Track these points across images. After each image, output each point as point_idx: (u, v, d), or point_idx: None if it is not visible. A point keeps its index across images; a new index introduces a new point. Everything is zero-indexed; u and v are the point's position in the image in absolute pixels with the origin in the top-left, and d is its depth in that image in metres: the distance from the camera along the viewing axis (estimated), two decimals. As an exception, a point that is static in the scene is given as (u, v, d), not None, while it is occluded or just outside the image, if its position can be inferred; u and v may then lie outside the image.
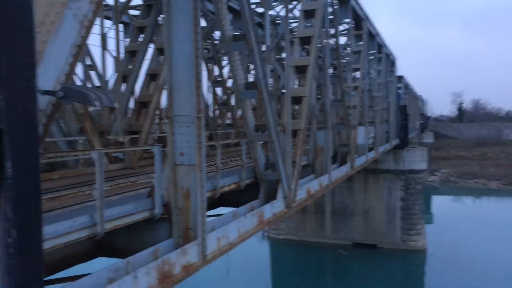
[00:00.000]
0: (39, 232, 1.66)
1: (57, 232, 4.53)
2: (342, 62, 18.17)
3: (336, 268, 28.90)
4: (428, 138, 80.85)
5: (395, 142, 31.88)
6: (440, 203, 49.33)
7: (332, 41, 16.40)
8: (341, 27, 20.75)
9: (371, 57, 25.85)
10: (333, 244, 31.00)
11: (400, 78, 39.89)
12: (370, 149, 23.93)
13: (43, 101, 3.57)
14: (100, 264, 6.08)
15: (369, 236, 30.83)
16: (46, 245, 4.13)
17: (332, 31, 16.35)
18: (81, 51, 4.10)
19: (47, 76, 3.67)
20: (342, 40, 23.31)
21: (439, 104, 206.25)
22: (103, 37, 13.55)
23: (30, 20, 1.65)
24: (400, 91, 37.82)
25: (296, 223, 32.47)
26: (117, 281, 4.85)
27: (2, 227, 1.54)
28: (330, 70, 16.85)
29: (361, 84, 21.37)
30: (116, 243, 7.00)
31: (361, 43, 22.57)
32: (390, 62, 33.97)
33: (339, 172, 16.95)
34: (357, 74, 21.61)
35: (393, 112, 32.75)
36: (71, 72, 3.96)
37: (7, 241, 1.51)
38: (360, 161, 20.60)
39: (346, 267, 28.41)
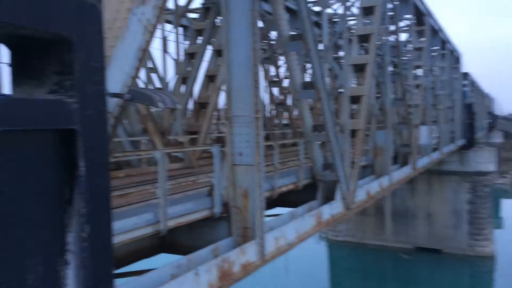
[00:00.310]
0: (110, 227, 1.74)
1: (124, 228, 4.75)
2: (403, 59, 17.57)
3: (397, 272, 27.96)
4: (497, 137, 76.06)
5: (460, 142, 30.34)
6: (511, 207, 46.29)
7: (392, 38, 15.91)
8: (401, 23, 20.07)
9: (434, 54, 24.78)
10: (394, 248, 30.01)
11: (466, 75, 37.87)
12: (434, 150, 22.95)
13: (111, 103, 3.76)
14: (162, 260, 6.30)
15: (433, 241, 29.53)
16: (115, 240, 4.32)
17: (392, 27, 15.86)
18: (145, 55, 4.26)
19: (115, 80, 3.85)
20: (403, 36, 22.54)
21: (509, 102, 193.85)
22: (164, 40, 14.03)
23: (100, 26, 1.74)
24: (465, 88, 35.92)
25: (355, 225, 31.78)
26: (179, 277, 5.00)
27: (77, 222, 1.63)
28: (390, 68, 16.35)
29: (424, 82, 20.54)
30: (177, 240, 7.22)
31: (423, 39, 21.71)
32: (455, 58, 32.38)
33: (401, 173, 16.40)
34: (419, 71, 20.81)
35: (459, 110, 31.19)
36: (136, 75, 4.13)
37: (81, 235, 1.59)
38: (423, 162, 19.81)
39: (408, 272, 27.41)
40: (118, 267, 6.01)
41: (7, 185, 1.44)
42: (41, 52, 1.65)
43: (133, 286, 4.77)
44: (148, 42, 4.32)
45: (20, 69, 1.71)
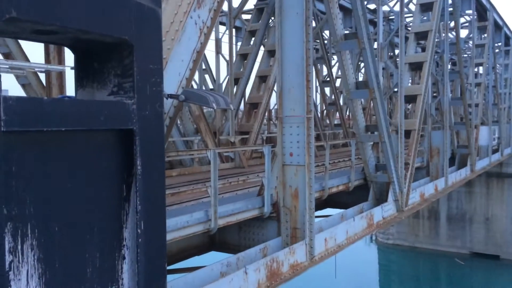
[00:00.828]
0: (163, 224, 1.79)
1: (176, 226, 4.87)
2: (463, 56, 16.79)
3: (451, 279, 26.82)
4: None
5: (524, 144, 28.61)
6: None
7: (451, 34, 15.25)
8: (462, 19, 19.18)
9: (496, 51, 23.50)
10: (448, 252, 28.82)
11: (532, 72, 35.61)
12: (494, 151, 21.80)
13: (167, 104, 3.87)
14: (212, 258, 6.40)
15: (491, 246, 28.11)
16: (167, 237, 4.45)
17: (452, 24, 15.20)
18: (200, 57, 4.36)
19: (171, 81, 3.96)
20: (463, 33, 21.55)
21: None
22: (217, 42, 14.24)
23: (158, 30, 1.78)
24: (531, 87, 33.79)
25: (407, 228, 30.82)
26: (229, 275, 5.06)
27: (133, 219, 1.69)
28: (449, 66, 15.68)
29: (485, 80, 19.55)
30: (227, 239, 7.31)
31: (485, 35, 20.65)
32: (520, 55, 30.53)
33: (457, 176, 15.73)
34: (480, 69, 19.84)
35: (522, 110, 29.39)
36: (191, 77, 4.23)
37: (137, 231, 1.65)
38: (482, 164, 18.88)
39: (463, 278, 26.23)
40: (169, 264, 6.17)
41: (70, 182, 1.51)
42: (103, 56, 1.73)
43: (184, 283, 4.88)
44: (204, 45, 4.41)
45: (83, 72, 1.79)
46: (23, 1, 1.29)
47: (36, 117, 1.36)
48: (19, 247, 1.36)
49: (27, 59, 9.04)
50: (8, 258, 1.33)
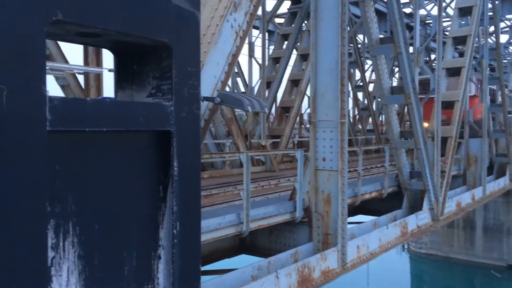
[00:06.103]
0: (198, 226, 1.79)
1: (209, 228, 4.90)
2: (503, 62, 16.23)
3: (488, 292, 25.86)
4: None
5: None
6: None
7: (490, 39, 14.78)
8: (502, 24, 18.55)
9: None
10: (484, 264, 27.80)
11: None
12: (536, 161, 20.94)
13: (202, 107, 3.90)
14: (242, 261, 6.39)
15: (531, 260, 26.96)
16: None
17: (492, 28, 14.74)
18: (235, 60, 4.39)
19: (206, 84, 4.00)
20: (503, 38, 20.83)
21: None
22: (250, 45, 14.30)
23: (197, 33, 1.79)
24: None
25: (441, 238, 29.94)
26: (260, 279, 5.05)
27: (169, 219, 1.70)
28: (487, 72, 15.20)
29: (526, 86, 18.84)
30: (257, 242, 7.30)
31: (526, 40, 19.93)
32: None
33: (496, 185, 15.20)
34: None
35: None
36: (226, 80, 4.26)
37: (173, 232, 1.66)
38: (522, 173, 18.16)
39: (500, 292, 25.24)
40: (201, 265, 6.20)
41: (109, 182, 1.53)
42: (143, 58, 1.75)
43: (215, 285, 4.89)
44: (239, 48, 4.44)
45: (123, 74, 1.82)
46: (68, 4, 1.33)
47: (79, 117, 1.39)
48: (61, 243, 1.39)
49: (66, 61, 9.32)
50: (50, 254, 1.36)
